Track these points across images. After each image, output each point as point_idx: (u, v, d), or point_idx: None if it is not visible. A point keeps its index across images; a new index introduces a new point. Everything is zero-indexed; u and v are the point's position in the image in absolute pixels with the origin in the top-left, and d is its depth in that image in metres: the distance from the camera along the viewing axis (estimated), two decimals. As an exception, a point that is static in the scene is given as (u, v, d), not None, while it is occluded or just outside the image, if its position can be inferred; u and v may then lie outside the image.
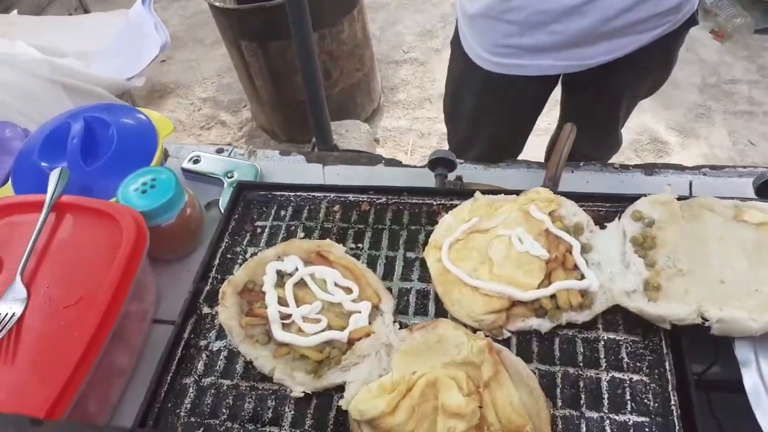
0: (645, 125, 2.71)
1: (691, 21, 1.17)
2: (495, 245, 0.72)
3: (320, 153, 1.10)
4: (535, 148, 2.53)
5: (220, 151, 1.13)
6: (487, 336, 0.67)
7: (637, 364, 0.64)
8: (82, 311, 0.67)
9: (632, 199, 0.76)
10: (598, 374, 0.64)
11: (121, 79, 1.39)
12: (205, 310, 0.75)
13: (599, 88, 1.28)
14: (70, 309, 0.68)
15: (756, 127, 2.66)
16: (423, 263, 0.75)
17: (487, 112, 1.35)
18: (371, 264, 0.77)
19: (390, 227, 0.81)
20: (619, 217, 0.75)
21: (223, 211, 0.88)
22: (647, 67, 1.25)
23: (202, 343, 0.72)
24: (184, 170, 1.06)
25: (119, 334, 0.74)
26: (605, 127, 1.45)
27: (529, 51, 1.15)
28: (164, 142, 1.07)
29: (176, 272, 0.91)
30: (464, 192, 0.85)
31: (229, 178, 1.03)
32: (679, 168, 1.01)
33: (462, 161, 1.08)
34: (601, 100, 1.34)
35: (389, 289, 0.73)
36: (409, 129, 2.77)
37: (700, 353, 0.71)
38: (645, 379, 0.63)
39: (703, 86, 2.88)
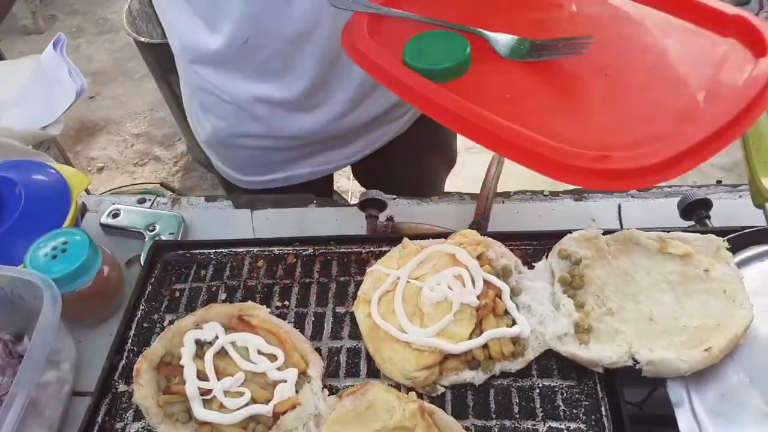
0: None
1: None
2: (425, 295, 0.70)
3: (248, 198, 1.06)
4: (471, 168, 2.56)
5: (141, 202, 1.07)
6: (420, 394, 0.65)
7: (574, 411, 0.63)
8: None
9: (559, 235, 0.75)
10: (535, 426, 0.62)
11: (36, 129, 1.31)
12: (121, 387, 0.70)
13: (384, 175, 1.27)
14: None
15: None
16: (353, 318, 0.72)
17: None
18: (299, 323, 0.73)
19: (318, 280, 0.78)
20: (547, 256, 0.74)
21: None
22: (424, 148, 1.25)
23: (118, 425, 0.67)
24: (103, 225, 1.01)
25: (35, 407, 0.69)
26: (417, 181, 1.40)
27: (281, 164, 1.14)
28: (82, 196, 1.01)
29: (99, 336, 0.85)
30: (394, 237, 0.82)
31: (150, 231, 0.98)
32: (608, 192, 1.02)
33: (394, 197, 1.06)
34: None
35: (318, 350, 0.70)
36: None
37: (636, 387, 0.71)
38: (582, 426, 0.62)
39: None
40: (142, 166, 2.72)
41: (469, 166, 2.56)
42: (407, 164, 1.29)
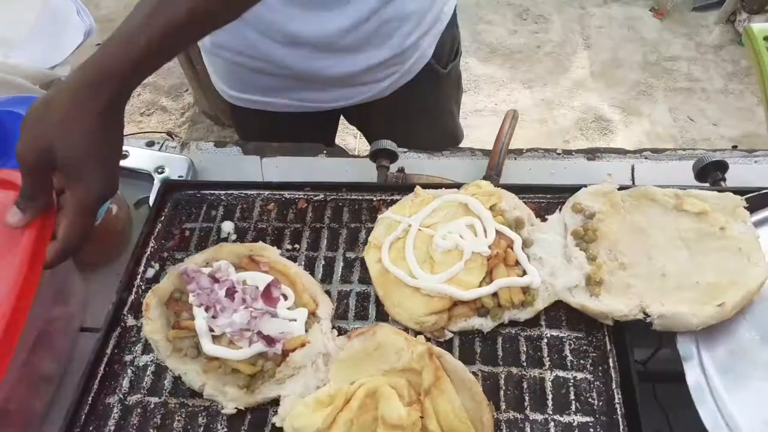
0: (589, 104, 2.74)
1: (431, 72, 1.13)
2: (436, 242, 0.70)
3: (258, 144, 1.05)
4: (480, 129, 2.54)
5: (150, 145, 1.06)
6: (429, 338, 0.65)
7: (581, 361, 0.63)
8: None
9: (573, 189, 0.74)
10: (541, 374, 0.62)
11: (44, 69, 1.29)
12: (130, 321, 0.70)
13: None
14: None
15: (695, 103, 2.73)
16: (363, 263, 0.72)
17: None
18: (309, 266, 0.73)
19: (329, 226, 0.77)
20: (560, 209, 0.73)
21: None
22: (422, 98, 1.20)
23: (127, 358, 0.67)
24: (111, 166, 1.00)
25: (44, 340, 0.69)
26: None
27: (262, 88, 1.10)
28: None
29: (106, 277, 0.85)
30: (405, 186, 0.81)
31: (159, 173, 0.97)
32: (621, 152, 1.01)
33: (405, 150, 1.05)
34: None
35: (328, 293, 0.70)
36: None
37: (644, 343, 0.71)
38: (589, 377, 0.62)
39: (645, 64, 2.92)
40: (149, 116, 2.68)
41: (478, 129, 2.54)
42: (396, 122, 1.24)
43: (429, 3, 1.04)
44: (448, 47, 1.16)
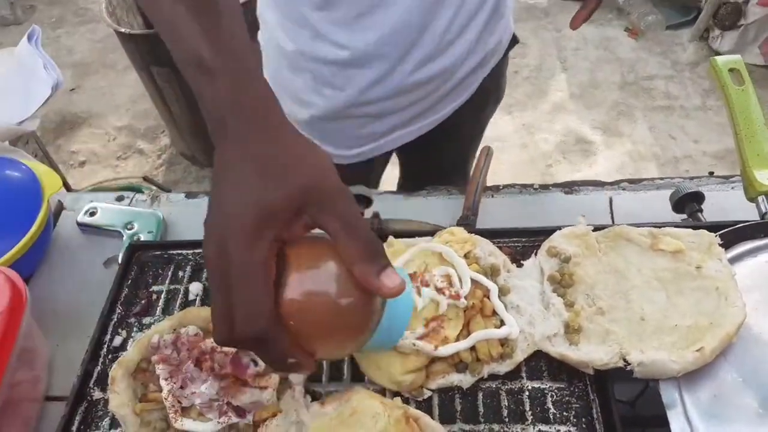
0: (570, 127, 2.76)
1: (514, 42, 1.16)
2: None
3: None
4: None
5: (120, 199, 1.04)
6: (407, 398, 0.63)
7: (564, 413, 0.61)
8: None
9: (548, 232, 0.73)
10: (524, 429, 0.60)
11: (11, 125, 1.28)
12: (97, 394, 0.67)
13: (446, 135, 1.22)
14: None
15: (675, 121, 2.75)
16: (337, 319, 0.70)
17: None
18: (281, 325, 0.71)
19: (301, 280, 0.75)
20: (536, 254, 0.72)
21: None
22: (483, 99, 1.21)
23: (94, 435, 0.64)
24: (80, 224, 0.98)
25: (9, 406, 0.66)
26: (457, 169, 1.40)
27: (383, 134, 1.09)
28: (60, 192, 0.98)
29: (75, 339, 0.82)
30: (379, 236, 0.79)
31: (129, 230, 0.95)
32: (599, 184, 1.00)
33: (380, 192, 1.04)
34: (449, 145, 1.27)
35: (300, 353, 0.67)
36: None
37: (628, 388, 0.69)
38: (572, 429, 0.60)
39: (623, 84, 2.95)
40: (125, 159, 2.67)
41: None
42: (453, 148, 1.27)
43: None
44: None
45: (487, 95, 1.21)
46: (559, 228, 0.72)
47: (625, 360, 0.60)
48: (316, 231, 0.48)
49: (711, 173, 1.02)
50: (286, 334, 0.44)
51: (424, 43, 0.93)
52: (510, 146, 2.62)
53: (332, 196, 0.46)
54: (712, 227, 0.69)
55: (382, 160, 1.24)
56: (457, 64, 1.01)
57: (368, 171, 1.20)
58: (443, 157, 1.31)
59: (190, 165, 2.55)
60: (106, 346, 0.71)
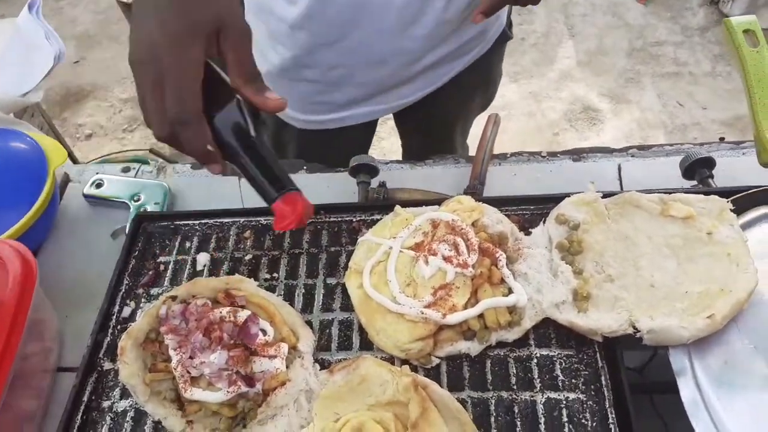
0: (577, 94, 2.72)
1: (504, 38, 1.14)
2: (419, 265, 0.67)
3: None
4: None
5: (126, 171, 1.04)
6: (415, 366, 0.63)
7: (573, 381, 0.61)
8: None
9: (557, 199, 0.72)
10: (533, 396, 0.60)
11: (15, 96, 1.27)
12: (107, 365, 0.68)
13: (428, 117, 1.23)
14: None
15: (683, 88, 2.71)
16: (345, 289, 0.70)
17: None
18: (289, 295, 0.71)
19: (308, 251, 0.75)
20: (544, 222, 0.71)
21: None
22: (470, 89, 1.20)
23: (106, 404, 0.65)
24: (87, 196, 0.98)
25: (21, 377, 0.67)
26: (445, 149, 1.38)
27: (341, 105, 1.08)
28: (66, 165, 0.98)
29: (85, 311, 0.82)
30: (386, 205, 0.79)
31: (135, 201, 0.95)
32: (607, 151, 0.99)
33: (387, 161, 1.03)
34: (432, 127, 1.29)
35: (309, 323, 0.68)
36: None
37: (637, 354, 0.69)
38: (582, 397, 0.60)
39: (631, 51, 2.90)
40: (131, 132, 2.66)
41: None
42: (453, 107, 1.25)
43: None
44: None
45: (473, 90, 1.20)
46: (568, 195, 0.71)
47: (634, 327, 0.60)
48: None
49: (722, 139, 1.01)
50: (207, 125, 0.56)
51: (377, 15, 0.90)
52: (516, 114, 2.59)
53: (236, 32, 0.57)
54: (724, 193, 0.68)
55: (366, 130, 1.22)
56: (417, 49, 0.98)
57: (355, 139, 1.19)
58: (431, 135, 1.32)
59: (195, 137, 2.53)
60: (114, 317, 0.71)
